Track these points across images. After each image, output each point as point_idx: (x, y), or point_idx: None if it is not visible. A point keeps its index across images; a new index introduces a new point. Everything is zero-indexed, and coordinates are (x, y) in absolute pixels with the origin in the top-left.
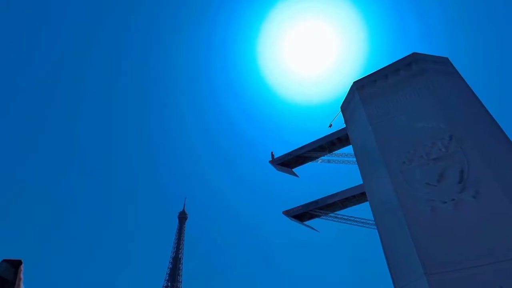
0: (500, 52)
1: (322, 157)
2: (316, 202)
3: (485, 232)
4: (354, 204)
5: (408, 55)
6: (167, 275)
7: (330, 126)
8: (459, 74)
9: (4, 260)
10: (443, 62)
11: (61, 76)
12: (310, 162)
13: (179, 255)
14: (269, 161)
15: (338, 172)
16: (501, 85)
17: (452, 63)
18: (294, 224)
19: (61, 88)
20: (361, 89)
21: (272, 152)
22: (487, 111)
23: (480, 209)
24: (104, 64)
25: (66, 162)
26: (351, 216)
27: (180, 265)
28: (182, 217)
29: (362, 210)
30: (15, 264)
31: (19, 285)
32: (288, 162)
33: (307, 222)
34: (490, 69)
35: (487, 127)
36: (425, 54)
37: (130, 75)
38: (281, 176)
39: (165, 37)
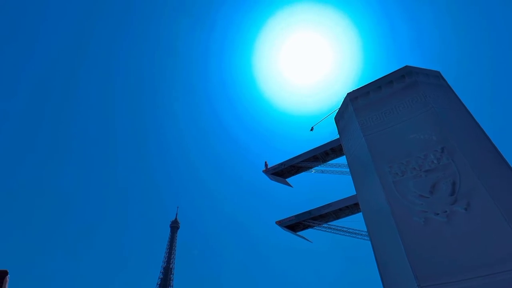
0: (490, 60)
1: (316, 167)
2: (309, 212)
3: (477, 244)
4: (347, 215)
5: (401, 68)
6: (158, 285)
7: (312, 129)
8: (450, 87)
9: None
10: (435, 75)
11: (57, 78)
12: (304, 172)
13: (170, 265)
14: (263, 171)
15: (332, 182)
16: (491, 92)
17: (444, 76)
18: (288, 233)
19: (56, 90)
20: (355, 100)
21: (266, 162)
22: (477, 123)
23: (472, 221)
24: (100, 67)
25: (60, 171)
26: (344, 227)
27: (171, 275)
28: (174, 226)
29: (356, 221)
30: (0, 275)
31: None
32: (282, 172)
33: (300, 233)
34: (481, 77)
35: (478, 139)
36: (418, 67)
37: (127, 83)
38: (275, 184)
39: (163, 43)
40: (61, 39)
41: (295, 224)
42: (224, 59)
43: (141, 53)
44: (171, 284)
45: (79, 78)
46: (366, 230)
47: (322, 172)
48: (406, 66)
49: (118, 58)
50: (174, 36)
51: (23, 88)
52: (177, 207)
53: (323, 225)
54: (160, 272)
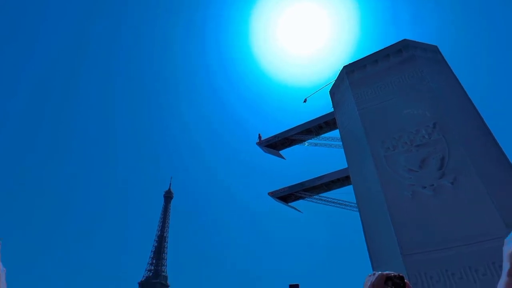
0: (488, 39)
1: (309, 140)
2: (301, 184)
3: (461, 216)
4: (339, 187)
5: (399, 42)
6: (152, 252)
7: (305, 101)
8: (447, 63)
9: None
10: (433, 50)
11: (57, 77)
12: (297, 145)
13: (164, 234)
14: (256, 143)
15: (324, 156)
16: (487, 70)
17: (441, 50)
18: (280, 204)
19: (56, 84)
20: (351, 73)
21: (259, 134)
22: (470, 101)
23: (457, 195)
24: (98, 48)
25: (64, 149)
26: (334, 199)
27: (165, 243)
28: (168, 196)
29: (346, 193)
30: None
31: None
32: (275, 144)
33: (292, 204)
34: (477, 54)
35: (470, 117)
36: (415, 41)
37: (127, 59)
38: (269, 157)
39: (160, 21)
40: (61, 39)
41: (287, 195)
42: (221, 33)
43: (139, 29)
44: (165, 251)
45: (77, 67)
46: (355, 202)
47: (315, 145)
48: (404, 40)
49: (118, 39)
50: (170, 11)
51: (23, 88)
52: (171, 178)
53: (314, 196)
54: (155, 240)
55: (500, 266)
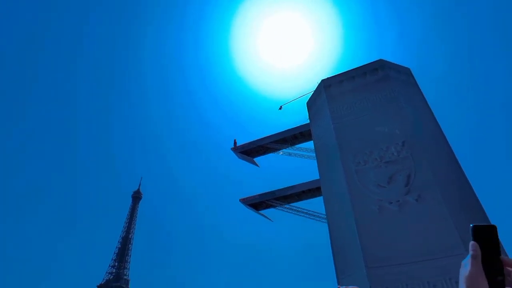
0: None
1: (284, 150)
2: (273, 192)
3: (422, 232)
4: (309, 198)
5: (375, 61)
6: (115, 254)
7: (280, 108)
8: (418, 85)
9: None
10: (406, 73)
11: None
12: (271, 153)
13: (129, 235)
14: (231, 148)
15: (298, 165)
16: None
17: (413, 74)
18: (250, 212)
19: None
20: (328, 88)
21: (235, 140)
22: (437, 122)
23: (421, 211)
24: (67, 35)
25: (24, 139)
26: (304, 209)
27: (129, 245)
28: (136, 196)
29: (316, 204)
30: None
31: None
32: (250, 151)
33: (263, 211)
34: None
35: (436, 138)
36: (391, 62)
37: (97, 54)
38: (242, 164)
39: (138, 25)
40: (20, 29)
41: (258, 203)
42: (200, 39)
43: (113, 31)
44: (129, 253)
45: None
46: (324, 213)
47: (290, 154)
48: (380, 60)
49: (88, 35)
50: (147, 16)
51: None
52: (141, 178)
53: (285, 205)
54: (118, 241)
55: (457, 282)
